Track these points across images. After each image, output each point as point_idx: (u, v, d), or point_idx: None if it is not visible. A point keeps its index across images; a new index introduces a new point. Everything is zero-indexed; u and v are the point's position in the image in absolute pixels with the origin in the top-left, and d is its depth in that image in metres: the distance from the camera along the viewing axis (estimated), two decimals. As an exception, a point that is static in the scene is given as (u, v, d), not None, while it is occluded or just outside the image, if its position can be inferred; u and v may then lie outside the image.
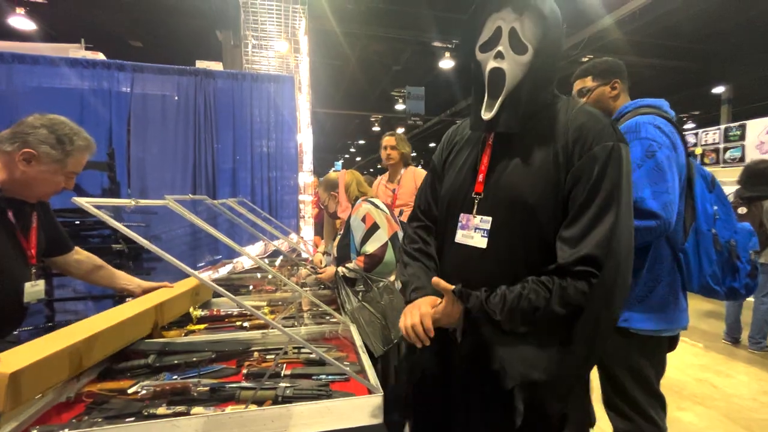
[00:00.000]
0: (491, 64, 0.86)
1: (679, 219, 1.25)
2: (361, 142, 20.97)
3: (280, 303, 1.68)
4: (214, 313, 1.52)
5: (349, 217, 1.87)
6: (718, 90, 10.12)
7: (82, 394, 0.96)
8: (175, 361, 1.12)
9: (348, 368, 0.99)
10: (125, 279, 1.43)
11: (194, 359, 1.13)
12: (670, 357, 1.33)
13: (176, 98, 2.71)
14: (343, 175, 1.98)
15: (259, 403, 0.90)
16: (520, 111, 0.86)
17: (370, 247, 1.71)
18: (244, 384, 0.98)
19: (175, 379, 1.02)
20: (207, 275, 2.28)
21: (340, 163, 20.10)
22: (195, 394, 0.94)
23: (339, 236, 1.98)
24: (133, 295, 1.41)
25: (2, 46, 2.79)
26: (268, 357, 1.16)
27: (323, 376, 1.04)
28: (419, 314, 0.87)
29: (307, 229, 3.41)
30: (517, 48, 0.85)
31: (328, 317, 1.48)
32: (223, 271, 2.38)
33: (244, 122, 2.85)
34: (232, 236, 2.52)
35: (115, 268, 1.47)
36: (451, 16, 6.53)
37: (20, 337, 1.99)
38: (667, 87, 9.48)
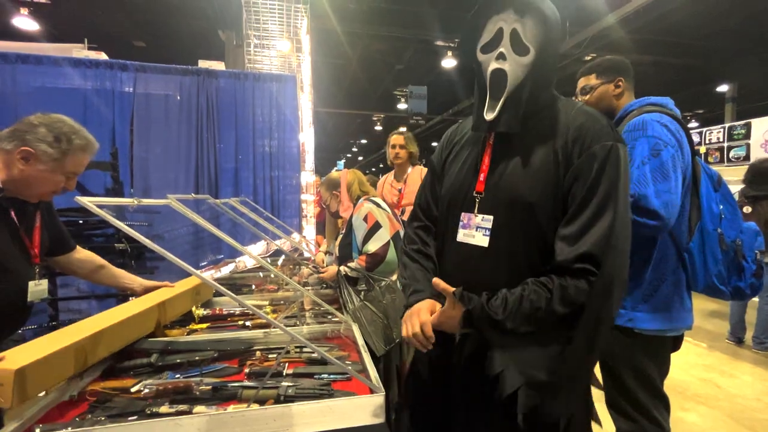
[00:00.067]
0: (493, 65, 0.86)
1: (684, 218, 1.25)
2: (363, 141, 20.98)
3: (282, 302, 1.68)
4: (217, 312, 1.53)
5: (351, 216, 1.87)
6: (723, 88, 10.06)
7: (86, 393, 0.96)
8: (178, 360, 1.12)
9: (350, 367, 0.99)
10: (127, 278, 1.44)
11: (197, 358, 1.13)
12: (674, 357, 1.32)
13: (179, 98, 2.72)
14: (345, 175, 1.98)
15: (261, 402, 0.90)
16: (521, 111, 0.86)
17: (372, 246, 1.70)
18: (246, 383, 0.99)
19: (178, 377, 1.02)
20: (209, 274, 2.29)
21: (342, 162, 20.12)
22: (197, 392, 0.94)
23: (341, 235, 1.98)
24: (135, 293, 1.42)
25: (6, 47, 2.80)
26: (270, 356, 1.16)
27: (325, 376, 1.04)
28: (419, 322, 0.88)
29: (309, 228, 3.41)
30: (518, 49, 0.86)
31: (330, 316, 1.48)
32: (225, 270, 2.39)
33: (246, 122, 2.85)
34: (234, 236, 2.53)
35: (118, 267, 1.48)
36: (453, 14, 6.51)
37: (25, 335, 2.01)
38: (671, 85, 9.43)
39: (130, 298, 1.38)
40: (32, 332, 2.19)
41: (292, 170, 2.99)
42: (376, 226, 1.74)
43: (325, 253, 2.33)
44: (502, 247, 0.86)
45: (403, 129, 2.95)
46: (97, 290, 2.48)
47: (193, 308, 1.50)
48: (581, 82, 1.44)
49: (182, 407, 0.87)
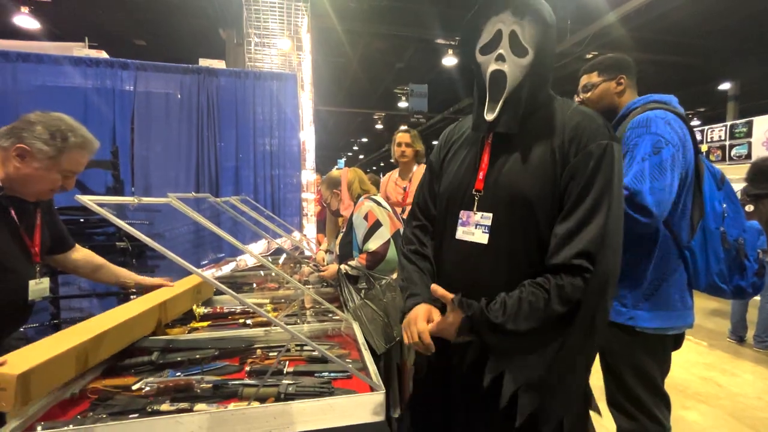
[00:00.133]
0: (492, 67, 0.88)
1: (686, 216, 1.24)
2: (364, 140, 20.96)
3: (282, 300, 1.69)
4: (218, 310, 1.53)
5: (352, 214, 1.87)
6: (725, 86, 10.02)
7: (87, 391, 0.96)
8: (179, 359, 1.12)
9: (350, 366, 0.99)
10: (125, 275, 1.44)
11: (197, 356, 1.13)
12: (675, 355, 1.32)
13: (179, 96, 2.72)
14: (345, 173, 1.98)
15: (262, 400, 0.91)
16: (520, 112, 0.88)
17: (373, 244, 1.70)
18: (247, 381, 0.99)
19: (179, 376, 1.02)
20: (210, 273, 2.29)
21: (342, 161, 20.11)
22: (198, 390, 0.95)
23: (341, 234, 1.98)
24: (126, 286, 1.42)
25: (7, 45, 2.80)
26: (270, 354, 1.16)
27: (325, 374, 1.04)
28: (416, 332, 0.89)
29: (310, 226, 3.41)
30: (517, 51, 0.87)
31: (330, 315, 1.48)
32: (226, 269, 2.39)
33: (246, 120, 2.85)
34: (235, 234, 2.53)
35: (120, 265, 1.48)
36: (454, 12, 6.49)
37: (27, 333, 2.02)
38: (673, 83, 9.39)
39: (131, 297, 1.38)
40: (34, 331, 2.20)
41: (292, 169, 2.99)
42: (377, 225, 1.74)
43: (326, 251, 2.33)
44: (501, 245, 0.87)
45: (403, 127, 2.93)
46: (99, 289, 2.49)
47: (194, 307, 1.50)
48: (583, 80, 1.44)
49: (183, 405, 0.88)
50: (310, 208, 3.42)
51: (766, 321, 3.20)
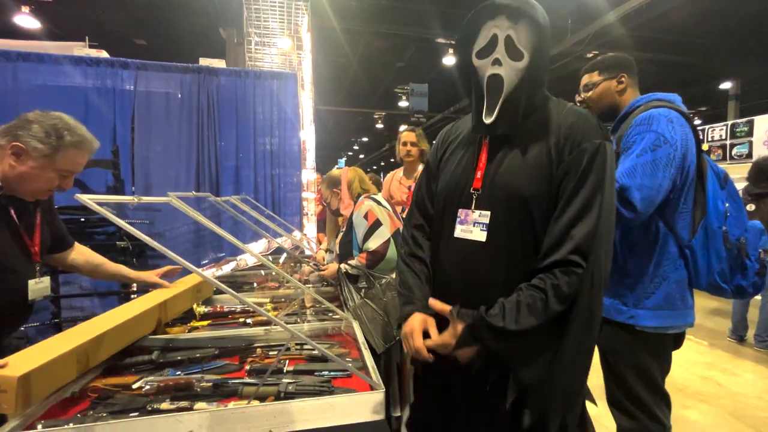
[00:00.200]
0: (490, 71, 0.90)
1: (686, 215, 1.24)
2: (365, 139, 20.96)
3: (283, 300, 1.69)
4: (218, 309, 1.53)
5: (352, 214, 1.87)
6: (725, 86, 10.01)
7: (87, 390, 0.96)
8: (179, 357, 1.12)
9: (350, 365, 0.99)
10: (124, 271, 1.44)
11: (197, 355, 1.13)
12: (675, 355, 1.32)
13: (180, 96, 2.72)
14: (345, 172, 1.98)
15: (262, 398, 0.91)
16: (517, 114, 0.90)
17: (373, 243, 1.70)
18: (247, 380, 0.99)
19: (179, 374, 1.02)
20: (211, 272, 2.30)
21: (343, 160, 20.12)
22: (198, 389, 0.95)
23: (341, 233, 1.98)
24: (128, 280, 1.42)
25: (7, 45, 2.81)
26: (270, 353, 1.16)
27: (325, 373, 1.05)
28: (414, 348, 0.91)
29: (310, 226, 3.41)
30: (513, 55, 0.89)
31: (330, 314, 1.48)
32: (226, 268, 2.40)
33: (247, 120, 2.85)
34: (235, 233, 2.54)
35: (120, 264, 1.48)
36: (454, 12, 6.49)
37: (27, 333, 2.03)
38: (673, 83, 9.38)
39: (132, 297, 1.38)
40: (35, 330, 2.20)
41: (293, 168, 2.99)
42: (377, 224, 1.74)
43: (326, 250, 2.33)
44: (499, 242, 0.89)
45: (408, 126, 2.92)
46: (100, 288, 2.49)
47: (194, 306, 1.50)
48: (584, 79, 1.44)
49: (183, 404, 0.88)
50: (311, 208, 3.42)
51: (766, 320, 3.19)
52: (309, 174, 3.40)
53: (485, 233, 0.89)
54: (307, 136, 3.43)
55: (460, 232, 0.93)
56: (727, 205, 1.24)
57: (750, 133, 6.04)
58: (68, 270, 1.42)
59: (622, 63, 1.39)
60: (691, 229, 1.24)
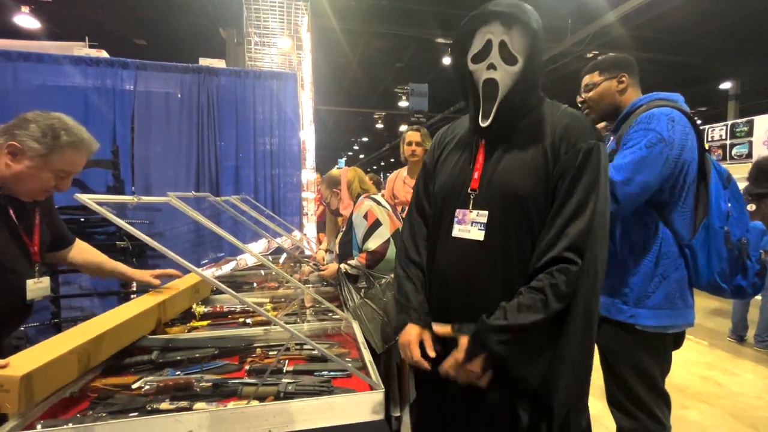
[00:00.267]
0: (485, 75, 0.92)
1: (687, 214, 1.24)
2: (365, 139, 20.96)
3: (282, 300, 1.69)
4: (217, 309, 1.53)
5: (351, 214, 1.87)
6: (725, 86, 10.00)
7: (87, 390, 0.96)
8: (178, 357, 1.12)
9: (350, 365, 0.99)
10: (123, 270, 1.43)
11: (197, 355, 1.13)
12: (675, 355, 1.32)
13: (179, 96, 2.72)
14: (345, 172, 1.98)
15: (261, 398, 0.91)
16: (512, 116, 0.93)
17: (372, 243, 1.70)
18: (247, 380, 0.99)
19: (178, 374, 1.02)
20: (210, 272, 2.29)
21: (343, 160, 20.13)
22: (198, 389, 0.95)
23: (341, 233, 1.98)
24: (124, 277, 1.42)
25: (7, 44, 2.81)
26: (270, 353, 1.16)
27: (325, 373, 1.05)
28: (414, 361, 0.94)
29: (310, 226, 3.41)
30: (507, 59, 0.91)
31: (330, 314, 1.48)
32: (226, 268, 2.40)
33: (247, 119, 2.85)
34: (235, 233, 2.53)
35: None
36: (453, 12, 6.49)
37: (27, 333, 2.02)
38: (673, 83, 9.38)
39: (132, 297, 1.38)
40: (35, 330, 2.20)
41: (292, 168, 2.99)
42: (377, 224, 1.74)
43: (326, 250, 2.33)
44: (496, 241, 0.90)
45: (404, 127, 2.92)
46: (99, 287, 2.49)
47: (194, 306, 1.50)
48: (585, 80, 1.44)
49: (183, 404, 0.88)
50: (310, 208, 3.42)
51: (767, 320, 3.19)
52: (309, 174, 3.40)
53: (483, 232, 0.91)
54: (307, 136, 3.43)
55: (458, 231, 0.95)
56: (729, 205, 1.24)
57: (750, 133, 6.04)
58: (70, 267, 1.42)
59: (622, 63, 1.39)
60: (691, 228, 1.24)
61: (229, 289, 0.94)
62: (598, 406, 0.94)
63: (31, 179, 1.08)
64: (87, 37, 3.12)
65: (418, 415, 1.10)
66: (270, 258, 2.55)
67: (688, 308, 1.27)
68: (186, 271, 1.08)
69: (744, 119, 6.20)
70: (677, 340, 1.31)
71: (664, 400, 1.29)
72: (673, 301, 1.24)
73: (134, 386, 0.96)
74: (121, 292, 2.45)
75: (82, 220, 2.36)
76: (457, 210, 0.96)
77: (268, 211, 2.48)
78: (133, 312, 1.16)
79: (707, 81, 9.82)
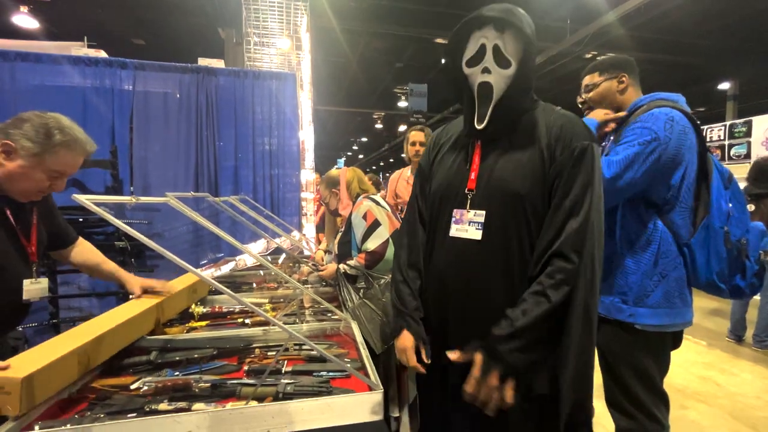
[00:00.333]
0: (480, 78, 0.94)
1: (686, 213, 1.24)
2: (364, 139, 20.96)
3: (281, 300, 1.68)
4: (216, 310, 1.53)
5: (350, 214, 1.86)
6: (724, 86, 10.02)
7: (85, 390, 0.96)
8: (177, 358, 1.12)
9: (349, 365, 0.99)
10: (122, 275, 1.42)
11: (195, 356, 1.13)
12: (674, 355, 1.32)
13: (178, 96, 2.71)
14: (344, 173, 1.98)
15: (260, 399, 0.91)
16: (507, 118, 0.95)
17: (371, 244, 1.70)
18: (245, 380, 0.99)
19: (177, 375, 1.02)
20: (209, 273, 2.29)
21: (342, 160, 20.12)
22: (196, 390, 0.95)
23: (340, 233, 1.98)
24: (119, 282, 1.40)
25: (5, 44, 2.80)
26: (269, 354, 1.16)
27: (324, 373, 1.04)
28: (411, 368, 0.98)
29: (309, 226, 3.41)
30: (501, 63, 0.93)
31: (329, 314, 1.48)
32: (225, 268, 2.39)
33: (246, 120, 2.85)
34: (234, 234, 2.53)
35: (118, 265, 1.47)
36: (453, 12, 6.49)
37: (26, 333, 2.02)
38: (672, 83, 9.40)
39: (130, 297, 1.37)
40: (33, 330, 2.20)
41: (291, 168, 2.98)
42: (375, 224, 1.74)
43: (325, 251, 2.33)
44: (494, 241, 0.91)
45: (404, 127, 2.92)
46: (98, 288, 2.49)
47: (193, 306, 1.50)
48: (585, 81, 1.45)
49: (181, 404, 0.87)
50: (310, 208, 3.41)
51: (765, 321, 3.20)
52: (308, 174, 3.40)
53: (480, 232, 0.92)
54: (306, 136, 3.43)
55: (455, 231, 0.96)
56: (730, 205, 1.24)
57: (748, 134, 6.05)
58: (71, 266, 1.41)
59: (622, 63, 1.39)
60: (690, 227, 1.25)
61: (228, 290, 0.93)
62: (597, 406, 0.94)
63: (25, 179, 1.07)
64: (85, 37, 3.11)
65: (422, 417, 1.10)
66: (269, 258, 2.54)
67: (687, 307, 1.27)
68: (184, 272, 1.08)
69: (742, 120, 6.21)
70: (676, 340, 1.32)
71: (663, 400, 1.29)
72: (671, 300, 1.24)
73: (133, 387, 0.96)
74: (119, 292, 2.44)
75: (81, 220, 2.36)
76: (455, 210, 0.97)
77: (267, 212, 2.47)
78: (132, 313, 1.16)
79: (706, 81, 9.83)
